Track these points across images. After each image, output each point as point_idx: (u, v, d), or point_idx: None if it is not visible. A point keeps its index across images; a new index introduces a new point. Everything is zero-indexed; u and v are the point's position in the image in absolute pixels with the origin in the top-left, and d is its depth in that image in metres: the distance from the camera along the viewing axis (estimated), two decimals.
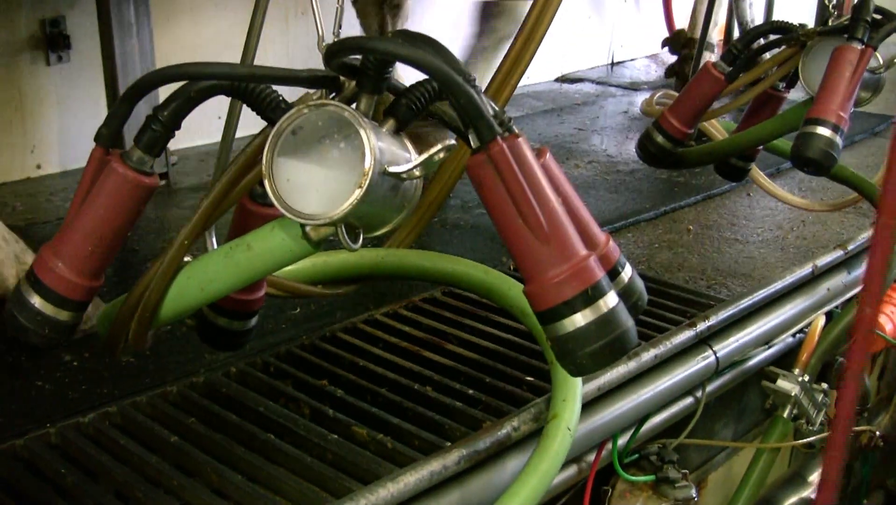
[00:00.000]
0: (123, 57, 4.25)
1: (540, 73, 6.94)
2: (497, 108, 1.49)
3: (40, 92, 4.45)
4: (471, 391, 2.60)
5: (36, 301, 1.54)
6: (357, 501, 2.00)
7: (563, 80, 7.09)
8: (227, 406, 2.48)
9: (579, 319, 1.47)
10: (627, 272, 1.87)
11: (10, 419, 2.43)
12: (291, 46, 5.24)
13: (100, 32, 4.16)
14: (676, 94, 3.54)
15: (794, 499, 3.38)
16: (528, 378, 2.67)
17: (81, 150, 4.50)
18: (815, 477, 3.44)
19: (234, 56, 3.90)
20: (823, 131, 2.63)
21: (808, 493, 3.39)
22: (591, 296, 1.46)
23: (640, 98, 6.38)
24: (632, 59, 7.77)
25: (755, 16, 6.72)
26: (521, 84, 2.43)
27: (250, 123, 2.03)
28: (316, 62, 1.51)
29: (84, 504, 2.17)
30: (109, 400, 2.56)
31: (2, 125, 4.35)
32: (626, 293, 1.82)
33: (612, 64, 7.62)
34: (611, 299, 1.48)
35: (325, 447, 2.34)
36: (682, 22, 8.01)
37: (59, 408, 2.51)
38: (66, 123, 4.56)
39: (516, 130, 1.50)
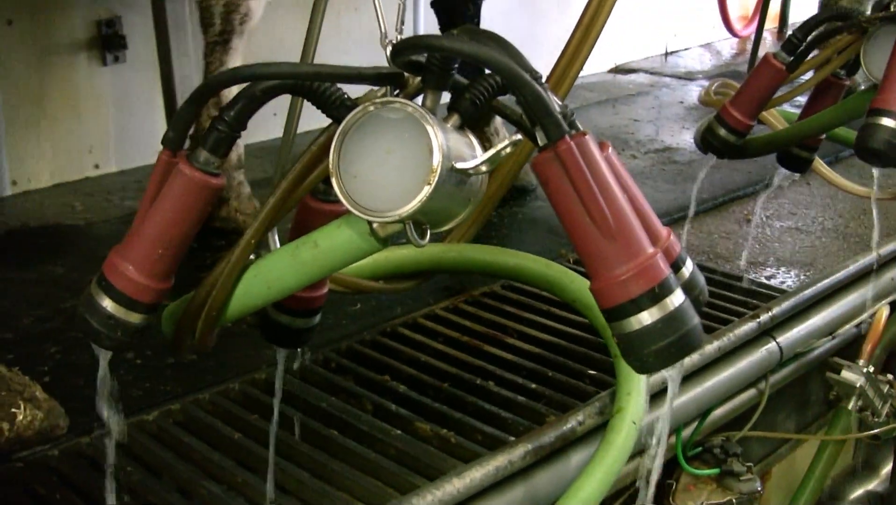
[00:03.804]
0: (179, 56, 4.28)
1: (593, 64, 6.91)
2: (562, 104, 1.48)
3: (97, 92, 4.49)
4: (533, 385, 2.59)
5: (107, 304, 1.54)
6: (424, 496, 2.00)
7: (616, 71, 7.05)
8: (289, 402, 2.49)
9: (645, 318, 1.45)
10: (689, 267, 1.85)
11: (73, 417, 2.45)
12: (344, 41, 5.25)
13: (155, 32, 4.18)
14: (735, 83, 3.51)
15: (859, 491, 3.35)
16: (591, 372, 2.66)
17: (138, 150, 4.57)
18: (883, 469, 3.41)
19: (287, 52, 3.91)
20: (889, 122, 2.59)
21: (874, 485, 3.36)
22: (657, 294, 1.45)
23: (696, 88, 6.34)
24: (686, 49, 7.72)
25: None
26: None
27: (308, 118, 2.05)
28: (368, 56, 1.51)
29: (148, 501, 2.18)
30: (172, 398, 2.58)
31: (60, 126, 4.39)
32: (687, 288, 1.80)
33: (666, 54, 7.57)
34: (677, 298, 1.47)
35: (388, 442, 2.35)
36: (736, 11, 7.97)
37: (122, 406, 2.53)
38: (122, 123, 4.60)
39: (582, 128, 1.49)
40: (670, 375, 2.08)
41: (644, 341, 1.46)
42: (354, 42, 5.29)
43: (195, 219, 1.52)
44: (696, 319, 1.50)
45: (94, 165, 4.55)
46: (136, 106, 4.63)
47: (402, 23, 1.57)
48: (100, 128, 4.53)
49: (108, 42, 4.44)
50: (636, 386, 2.22)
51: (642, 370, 1.53)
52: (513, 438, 2.29)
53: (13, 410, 2.37)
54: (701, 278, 1.86)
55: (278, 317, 1.84)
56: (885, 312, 3.22)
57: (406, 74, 1.50)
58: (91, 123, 4.49)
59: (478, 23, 4.29)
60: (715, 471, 2.71)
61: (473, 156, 1.44)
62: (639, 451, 2.23)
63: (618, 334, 1.49)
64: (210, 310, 1.61)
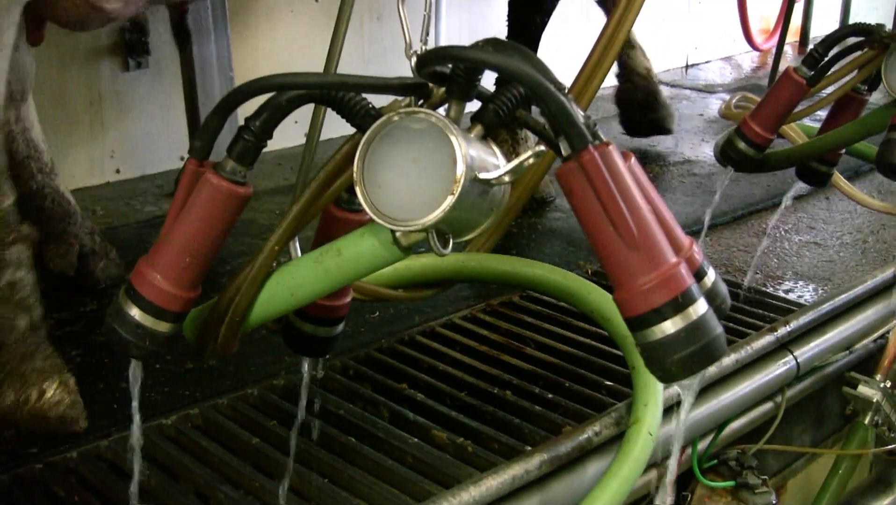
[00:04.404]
0: (201, 62, 4.30)
1: (613, 76, 6.90)
2: (585, 115, 1.49)
3: (119, 97, 4.51)
4: (550, 395, 2.60)
5: (136, 314, 1.55)
6: (440, 504, 2.01)
7: None
8: (307, 409, 2.50)
9: (669, 327, 1.45)
10: (711, 276, 1.85)
11: (94, 421, 2.47)
12: (366, 50, 5.27)
13: (176, 39, 4.20)
14: (755, 97, 3.51)
15: None
16: (608, 382, 2.66)
17: (160, 155, 4.59)
18: None
19: (309, 60, 3.93)
20: None
21: (890, 501, 3.34)
22: (680, 303, 1.45)
23: (716, 101, 6.34)
24: (706, 62, 7.71)
25: None
26: None
27: (330, 126, 2.06)
28: (389, 65, 1.52)
29: (166, 504, 2.20)
30: (191, 402, 2.60)
31: (82, 130, 4.41)
32: (709, 297, 1.80)
33: (687, 66, 7.56)
34: (700, 307, 1.47)
35: (405, 450, 2.36)
36: (757, 24, 7.96)
37: (141, 410, 2.54)
38: (144, 128, 4.62)
39: (605, 138, 1.49)
40: (687, 384, 2.08)
41: (667, 351, 1.46)
42: (376, 51, 5.31)
43: (223, 227, 1.53)
44: (719, 329, 1.49)
45: (116, 170, 4.57)
46: (158, 111, 4.65)
47: (428, 34, 1.58)
48: (121, 133, 4.56)
49: (131, 47, 4.46)
50: (653, 398, 2.22)
51: (665, 379, 1.53)
52: (529, 448, 2.29)
53: (45, 384, 2.38)
54: (724, 288, 1.86)
55: (302, 326, 1.85)
56: None
57: (430, 85, 1.51)
58: (113, 128, 4.52)
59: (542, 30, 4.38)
60: (730, 483, 2.71)
61: (497, 166, 1.45)
62: (653, 462, 2.24)
63: (641, 344, 1.49)
64: (233, 315, 1.62)
